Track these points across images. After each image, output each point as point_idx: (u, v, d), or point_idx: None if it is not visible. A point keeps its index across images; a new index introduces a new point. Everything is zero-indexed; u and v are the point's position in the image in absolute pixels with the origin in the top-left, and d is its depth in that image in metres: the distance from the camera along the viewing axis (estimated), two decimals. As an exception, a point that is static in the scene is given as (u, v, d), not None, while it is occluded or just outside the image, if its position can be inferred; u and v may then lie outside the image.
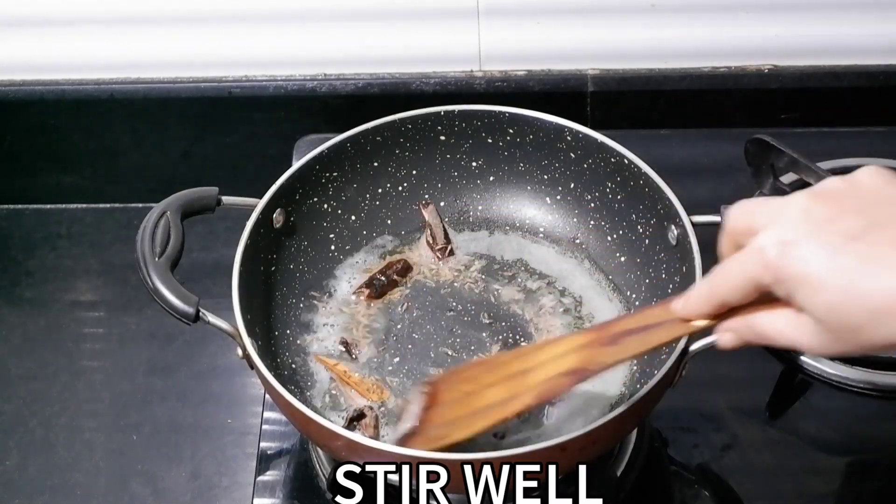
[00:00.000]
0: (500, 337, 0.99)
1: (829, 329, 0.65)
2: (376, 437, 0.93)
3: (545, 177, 1.07)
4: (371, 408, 0.95)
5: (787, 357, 1.05)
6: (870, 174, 0.67)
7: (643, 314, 0.79)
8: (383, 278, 1.03)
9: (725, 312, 0.72)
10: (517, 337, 0.99)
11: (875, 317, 0.63)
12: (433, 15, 1.19)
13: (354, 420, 0.93)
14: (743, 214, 0.70)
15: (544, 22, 1.20)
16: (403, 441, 0.85)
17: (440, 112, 1.05)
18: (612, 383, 0.96)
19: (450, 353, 0.98)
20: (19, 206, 1.30)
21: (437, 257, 1.04)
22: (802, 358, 1.04)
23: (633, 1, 1.18)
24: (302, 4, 1.19)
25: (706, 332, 0.76)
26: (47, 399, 1.11)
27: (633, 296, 1.02)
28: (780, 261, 0.65)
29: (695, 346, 0.86)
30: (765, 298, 0.69)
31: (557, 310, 1.01)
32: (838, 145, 1.17)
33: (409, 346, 0.99)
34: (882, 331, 0.63)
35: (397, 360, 0.98)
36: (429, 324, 1.01)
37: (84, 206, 1.30)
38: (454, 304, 1.02)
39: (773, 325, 0.69)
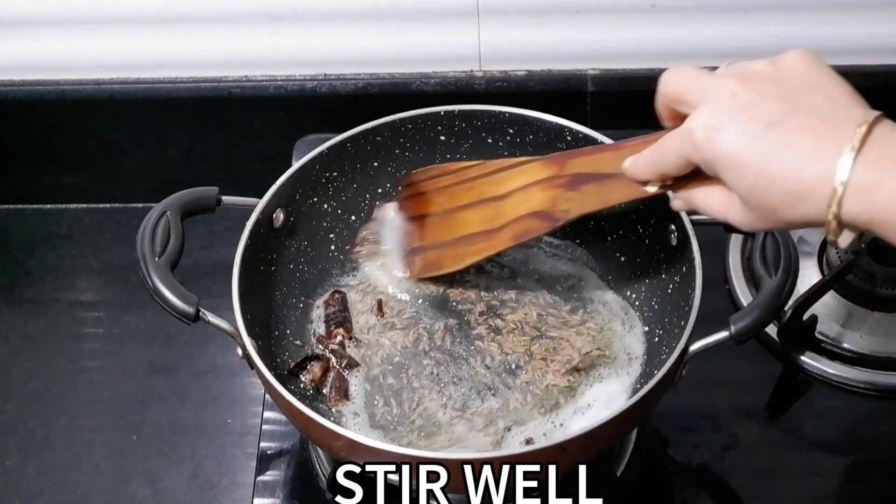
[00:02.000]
0: (500, 335, 0.99)
1: (752, 208, 0.71)
2: (322, 384, 0.96)
3: (545, 177, 1.06)
4: (325, 355, 0.97)
5: (786, 357, 1.05)
6: (795, 58, 0.72)
7: (597, 157, 0.88)
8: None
9: (674, 181, 0.78)
10: (516, 335, 0.99)
11: (787, 199, 0.68)
12: (433, 15, 1.19)
13: (304, 363, 0.96)
14: (676, 85, 0.75)
15: (544, 22, 1.20)
16: (406, 261, 1.00)
17: (440, 112, 1.05)
18: (612, 383, 0.96)
19: (448, 348, 0.98)
20: (19, 206, 1.31)
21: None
22: (802, 358, 1.04)
23: (633, 1, 1.18)
24: (302, 4, 1.19)
25: (662, 199, 0.81)
26: (47, 399, 1.11)
27: (633, 296, 1.02)
28: (706, 144, 0.70)
29: (695, 347, 0.86)
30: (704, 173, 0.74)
31: (558, 309, 1.01)
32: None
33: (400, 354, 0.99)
34: (793, 211, 0.68)
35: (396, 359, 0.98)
36: (427, 321, 1.01)
37: (84, 206, 1.30)
38: (452, 303, 1.02)
39: (708, 200, 0.75)
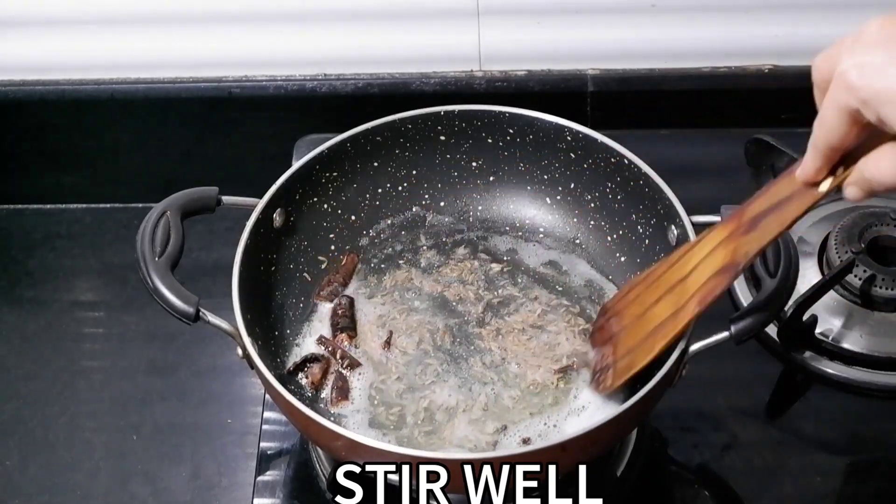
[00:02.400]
0: (500, 335, 0.99)
1: None
2: (321, 385, 0.95)
3: (545, 177, 1.07)
4: (325, 357, 0.96)
5: (786, 357, 1.05)
6: None
7: (770, 192, 0.80)
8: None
9: (841, 161, 0.72)
10: (516, 335, 0.99)
11: None
12: (433, 15, 1.19)
13: (304, 364, 0.95)
14: (824, 61, 0.70)
15: (544, 22, 1.20)
16: (598, 385, 0.92)
17: (440, 112, 1.05)
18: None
19: (448, 348, 0.98)
20: (19, 206, 1.30)
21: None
22: (802, 358, 1.04)
23: (633, 1, 1.18)
24: (302, 4, 1.19)
25: (834, 194, 0.75)
26: (47, 399, 1.11)
27: (633, 296, 1.02)
28: (859, 81, 0.66)
29: (695, 347, 0.86)
30: (869, 138, 0.69)
31: (558, 309, 1.01)
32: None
33: (406, 345, 0.99)
34: None
35: (399, 358, 0.98)
36: (428, 321, 1.01)
37: (84, 206, 1.30)
38: (453, 304, 1.02)
39: (880, 166, 0.69)
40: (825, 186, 0.75)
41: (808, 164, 0.74)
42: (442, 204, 1.09)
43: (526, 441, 0.92)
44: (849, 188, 0.72)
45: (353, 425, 0.93)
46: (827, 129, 0.70)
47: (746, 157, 1.14)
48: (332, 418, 0.93)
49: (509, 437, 0.92)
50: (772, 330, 1.05)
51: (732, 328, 0.85)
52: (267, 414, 1.03)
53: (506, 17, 1.20)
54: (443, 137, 1.06)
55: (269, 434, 1.02)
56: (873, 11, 1.19)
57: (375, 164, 1.06)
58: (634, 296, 0.93)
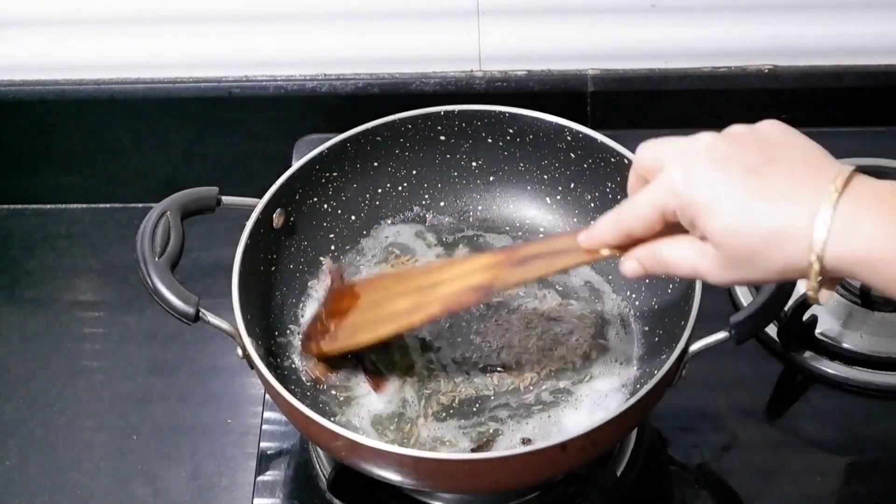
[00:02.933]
0: (500, 335, 0.99)
1: (727, 254, 0.69)
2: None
3: (545, 177, 1.07)
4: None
5: (786, 357, 1.05)
6: (771, 125, 0.71)
7: (550, 241, 0.85)
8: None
9: (629, 243, 0.75)
10: (517, 335, 0.99)
11: (767, 241, 0.67)
12: (433, 15, 1.19)
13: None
14: (650, 152, 0.74)
15: (544, 22, 1.20)
16: (304, 347, 0.96)
17: (440, 112, 1.05)
18: (609, 382, 0.96)
19: (448, 349, 0.98)
20: (19, 206, 1.30)
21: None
22: (802, 358, 1.04)
23: (633, 1, 1.18)
24: (302, 4, 1.19)
25: (611, 260, 0.79)
26: (47, 399, 1.11)
27: (633, 295, 1.01)
28: (685, 188, 0.69)
29: (695, 347, 0.86)
30: (668, 230, 0.73)
31: (556, 309, 1.01)
32: (838, 145, 1.16)
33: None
34: (775, 253, 0.67)
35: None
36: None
37: (84, 206, 1.30)
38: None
39: (676, 253, 0.73)
40: (605, 253, 0.78)
41: (597, 237, 0.78)
42: (442, 204, 1.09)
43: (526, 441, 0.92)
44: (630, 261, 0.76)
45: (356, 421, 0.93)
46: (636, 218, 0.74)
47: (746, 157, 1.14)
48: (331, 418, 0.93)
49: (506, 438, 0.92)
50: (772, 330, 1.05)
51: (732, 328, 0.85)
52: (267, 414, 1.03)
53: (506, 17, 1.20)
54: (443, 137, 1.06)
55: (269, 434, 1.02)
56: (873, 11, 1.20)
57: (375, 164, 1.06)
58: (380, 283, 0.96)
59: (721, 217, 0.68)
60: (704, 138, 0.71)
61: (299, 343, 0.98)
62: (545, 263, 0.83)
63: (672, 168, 0.70)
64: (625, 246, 0.76)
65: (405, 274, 0.96)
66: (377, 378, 0.95)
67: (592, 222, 1.03)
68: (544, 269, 0.84)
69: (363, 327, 0.93)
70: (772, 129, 0.71)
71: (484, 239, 1.07)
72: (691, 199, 0.69)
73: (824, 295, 0.69)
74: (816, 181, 0.66)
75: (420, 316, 0.89)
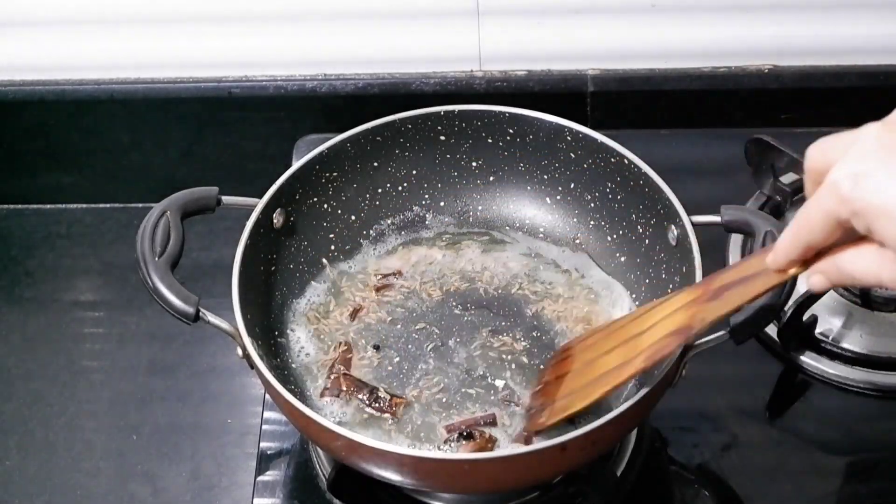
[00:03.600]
0: (502, 332, 0.99)
1: None
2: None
3: (545, 177, 1.07)
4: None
5: (786, 357, 1.05)
6: None
7: (739, 267, 0.80)
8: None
9: (814, 256, 0.71)
10: (513, 335, 0.99)
11: None
12: (433, 15, 1.19)
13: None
14: (818, 152, 0.68)
15: (544, 22, 1.20)
16: (531, 424, 0.91)
17: (440, 112, 1.05)
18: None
19: (448, 348, 0.98)
20: (19, 206, 1.30)
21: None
22: (802, 358, 1.04)
23: (633, 1, 1.18)
24: (302, 4, 1.19)
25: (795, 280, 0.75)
26: (47, 399, 1.11)
27: (634, 296, 1.01)
28: (854, 193, 0.64)
29: (695, 347, 0.86)
30: (850, 237, 0.68)
31: (556, 310, 1.01)
32: (838, 145, 1.17)
33: (409, 345, 0.99)
34: None
35: (397, 359, 0.98)
36: (427, 318, 1.01)
37: (84, 206, 1.30)
38: (453, 303, 1.02)
39: (858, 263, 0.68)
40: (794, 271, 0.74)
41: (781, 255, 0.73)
42: (442, 204, 1.09)
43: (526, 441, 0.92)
44: (815, 276, 0.71)
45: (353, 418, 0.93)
46: (810, 229, 0.69)
47: (746, 157, 1.14)
48: (332, 418, 0.93)
49: (510, 435, 0.92)
50: (772, 330, 1.05)
51: (732, 328, 0.85)
52: (267, 414, 1.03)
53: (506, 17, 1.20)
54: (443, 137, 1.06)
55: (269, 434, 1.02)
56: (873, 11, 1.20)
57: (375, 164, 1.06)
58: (592, 342, 0.92)
59: None
60: (871, 130, 0.66)
61: (526, 423, 0.93)
62: (740, 293, 0.79)
63: (837, 170, 0.65)
64: (810, 260, 0.72)
65: (613, 326, 0.92)
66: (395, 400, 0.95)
67: (592, 221, 1.05)
68: (739, 300, 0.79)
69: (579, 393, 0.89)
70: None
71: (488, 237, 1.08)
72: (862, 204, 0.64)
73: None
74: None
75: (627, 372, 0.86)
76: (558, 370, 0.93)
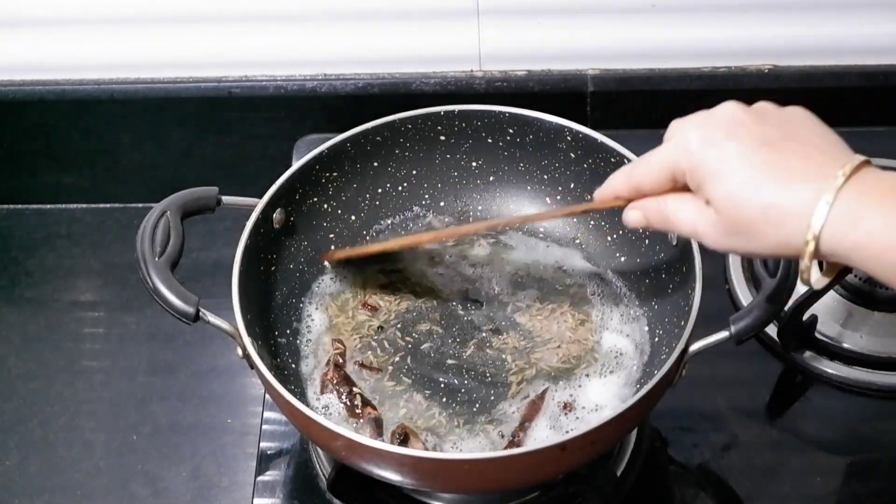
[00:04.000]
0: (501, 333, 0.99)
1: (727, 221, 0.71)
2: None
3: (545, 177, 1.07)
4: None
5: (786, 357, 1.05)
6: (797, 109, 0.74)
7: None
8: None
9: (638, 197, 0.78)
10: (517, 334, 0.99)
11: (766, 215, 0.68)
12: (433, 15, 1.19)
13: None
14: (678, 122, 0.76)
15: (544, 22, 1.20)
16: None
17: (440, 112, 1.05)
18: (609, 382, 0.96)
19: (450, 350, 0.98)
20: (19, 206, 1.31)
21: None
22: (802, 358, 1.04)
23: (633, 1, 1.18)
24: (302, 4, 1.19)
25: (618, 209, 0.81)
26: (47, 399, 1.11)
27: (634, 295, 1.01)
28: (699, 150, 0.72)
29: (695, 347, 0.86)
30: (675, 191, 0.75)
31: (557, 309, 1.01)
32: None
33: (408, 344, 0.99)
34: (770, 230, 0.68)
35: (397, 358, 0.98)
36: (427, 319, 1.01)
37: (84, 206, 1.30)
38: (454, 303, 1.02)
39: (679, 210, 0.75)
40: (615, 204, 0.80)
41: (609, 187, 0.80)
42: (442, 204, 1.09)
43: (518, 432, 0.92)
44: (633, 211, 0.79)
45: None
46: (647, 173, 0.76)
47: (746, 157, 1.14)
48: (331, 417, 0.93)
49: (506, 437, 0.92)
50: (772, 330, 1.05)
51: (732, 328, 0.85)
52: (267, 414, 1.03)
53: (506, 17, 1.20)
54: (443, 137, 1.06)
55: (269, 434, 1.02)
56: (873, 11, 1.20)
57: (375, 164, 1.06)
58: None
59: (726, 184, 0.70)
60: (728, 107, 0.74)
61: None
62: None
63: (689, 129, 0.73)
64: (633, 199, 0.78)
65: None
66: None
67: (592, 221, 1.05)
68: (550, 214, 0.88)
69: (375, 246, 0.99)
70: (796, 112, 0.74)
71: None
72: (702, 161, 0.71)
73: (815, 276, 0.71)
74: (826, 166, 0.67)
75: (427, 236, 0.96)
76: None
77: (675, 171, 0.74)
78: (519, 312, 1.01)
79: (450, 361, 0.98)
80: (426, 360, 0.98)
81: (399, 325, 1.00)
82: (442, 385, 0.96)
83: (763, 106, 0.74)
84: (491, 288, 1.03)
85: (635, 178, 0.78)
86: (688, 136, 0.73)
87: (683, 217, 0.75)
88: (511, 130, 1.05)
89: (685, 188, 0.74)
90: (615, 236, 1.04)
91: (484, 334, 1.00)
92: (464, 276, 1.04)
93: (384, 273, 1.04)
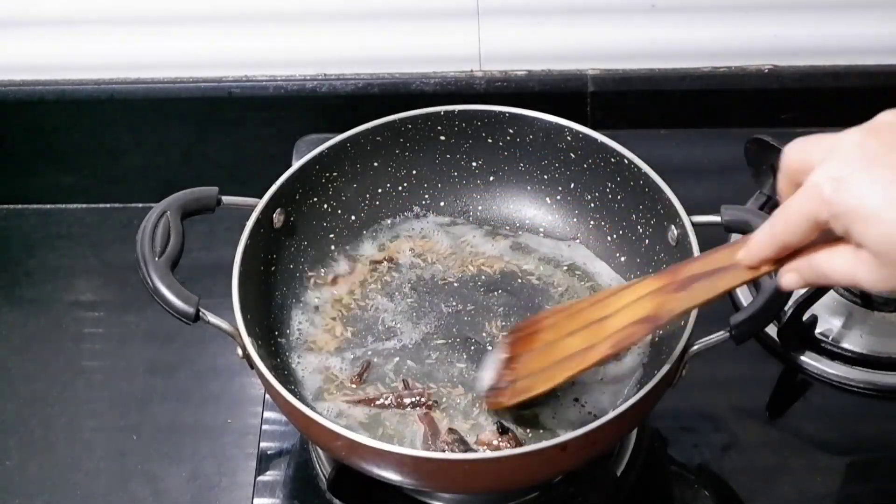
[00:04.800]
0: (497, 336, 0.99)
1: (885, 263, 0.65)
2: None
3: (545, 177, 1.07)
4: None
5: (786, 357, 1.05)
6: None
7: (709, 258, 0.80)
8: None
9: (787, 255, 0.72)
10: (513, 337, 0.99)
11: None
12: (433, 15, 1.19)
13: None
14: (798, 153, 0.70)
15: (544, 22, 1.20)
16: (491, 397, 0.91)
17: (440, 112, 1.05)
18: (609, 382, 0.96)
19: (450, 347, 0.98)
20: (19, 206, 1.30)
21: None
22: (802, 358, 1.04)
23: (633, 1, 1.18)
24: (302, 4, 1.19)
25: (768, 275, 0.76)
26: (47, 399, 1.11)
27: (633, 296, 1.01)
28: (835, 196, 0.65)
29: (695, 347, 0.86)
30: (825, 238, 0.69)
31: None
32: (838, 145, 1.17)
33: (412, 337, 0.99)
34: None
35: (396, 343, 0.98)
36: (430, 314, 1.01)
37: (84, 206, 1.30)
38: (453, 302, 1.02)
39: (833, 263, 0.69)
40: (765, 269, 0.74)
41: (755, 251, 0.73)
42: (442, 204, 1.09)
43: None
44: (789, 274, 0.72)
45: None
46: (789, 230, 0.70)
47: (746, 157, 1.14)
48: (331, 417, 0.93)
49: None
50: (772, 330, 1.05)
51: (732, 328, 0.85)
52: (267, 414, 1.03)
53: (506, 17, 1.20)
54: (443, 137, 1.06)
55: (269, 434, 1.02)
56: (873, 11, 1.20)
57: (375, 164, 1.06)
58: (552, 322, 0.92)
59: (876, 226, 0.64)
60: (852, 136, 0.67)
61: (485, 401, 0.94)
62: (709, 286, 0.79)
63: (819, 173, 0.67)
64: (783, 259, 0.73)
65: (575, 309, 0.91)
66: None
67: (592, 221, 1.05)
68: (707, 294, 0.79)
69: (541, 375, 0.89)
70: None
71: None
72: (843, 208, 0.65)
73: None
74: None
75: (592, 358, 0.86)
76: (521, 347, 0.93)
77: (816, 220, 0.68)
78: (517, 314, 1.01)
79: (448, 366, 0.98)
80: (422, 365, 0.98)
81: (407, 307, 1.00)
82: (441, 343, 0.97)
83: (888, 122, 0.68)
84: (491, 286, 1.03)
85: (778, 237, 0.71)
86: (817, 181, 0.66)
87: (839, 268, 0.69)
88: (511, 130, 1.05)
89: (832, 233, 0.68)
90: (615, 236, 1.04)
91: (486, 333, 0.99)
92: (462, 264, 1.04)
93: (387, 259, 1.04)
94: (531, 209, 1.08)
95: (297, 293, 1.02)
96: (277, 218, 0.99)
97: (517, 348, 0.93)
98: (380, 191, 1.07)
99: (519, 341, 0.93)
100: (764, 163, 1.13)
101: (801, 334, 1.04)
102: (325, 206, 1.05)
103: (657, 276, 0.84)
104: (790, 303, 1.00)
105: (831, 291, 1.06)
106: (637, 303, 0.84)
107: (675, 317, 0.82)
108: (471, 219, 1.09)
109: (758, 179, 1.14)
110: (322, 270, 1.04)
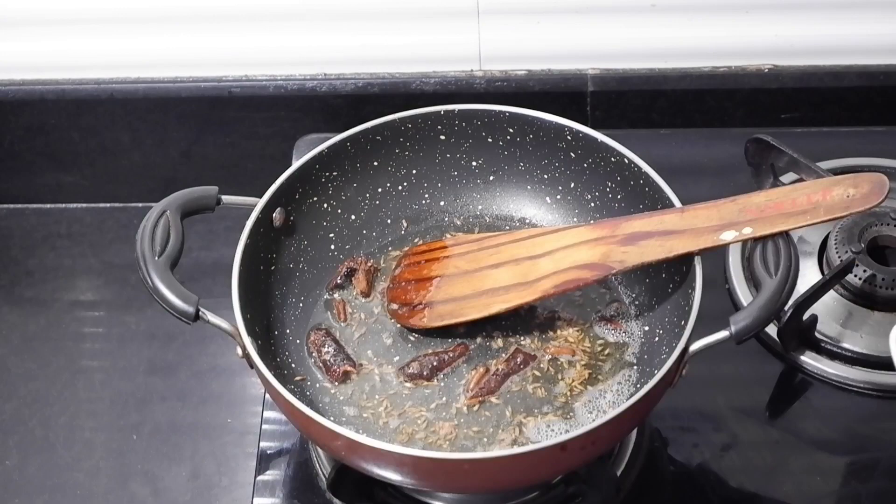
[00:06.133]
0: (501, 330, 0.99)
1: None
2: (368, 291, 0.99)
3: (545, 176, 1.07)
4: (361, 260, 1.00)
5: (786, 357, 1.05)
6: None
7: (653, 218, 0.82)
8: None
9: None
10: (518, 333, 0.99)
11: None
12: (433, 15, 1.19)
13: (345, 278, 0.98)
14: None
15: (544, 22, 1.20)
16: (405, 313, 0.93)
17: (440, 112, 1.05)
18: (609, 382, 0.96)
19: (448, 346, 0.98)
20: (19, 206, 1.31)
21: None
22: (802, 358, 1.04)
23: (633, 1, 1.18)
24: (302, 4, 1.19)
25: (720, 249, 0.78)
26: (47, 399, 1.11)
27: (633, 295, 1.01)
28: None
29: (695, 347, 0.86)
30: None
31: (557, 310, 1.01)
32: (838, 145, 1.17)
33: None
34: None
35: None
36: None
37: (84, 206, 1.30)
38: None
39: None
40: (729, 237, 0.75)
41: None
42: (442, 204, 1.09)
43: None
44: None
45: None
46: None
47: (746, 157, 1.14)
48: (331, 418, 0.93)
49: (510, 432, 0.92)
50: (772, 330, 1.05)
51: (732, 328, 0.85)
52: (267, 414, 1.03)
53: (506, 17, 1.20)
54: (443, 137, 1.06)
55: (269, 434, 1.02)
56: (873, 11, 1.20)
57: (375, 163, 1.06)
58: (462, 251, 0.94)
59: None
60: None
61: (387, 307, 0.97)
62: (661, 246, 0.79)
63: None
64: (744, 231, 0.74)
65: (490, 242, 0.93)
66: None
67: (592, 221, 1.05)
68: (660, 253, 0.80)
69: (468, 302, 0.91)
70: None
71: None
72: None
73: None
74: None
75: (533, 294, 0.87)
76: (421, 271, 0.94)
77: None
78: (517, 314, 1.01)
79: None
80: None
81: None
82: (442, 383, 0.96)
83: None
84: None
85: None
86: None
87: None
88: (511, 130, 1.05)
89: None
90: (615, 236, 1.04)
91: (485, 332, 0.99)
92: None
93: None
94: (531, 208, 1.08)
95: (297, 293, 1.02)
96: (277, 217, 0.99)
97: (415, 272, 0.95)
98: (380, 191, 1.07)
99: (416, 266, 0.95)
100: (764, 163, 1.13)
101: (801, 334, 1.04)
102: (325, 205, 1.05)
103: (592, 226, 0.87)
104: (790, 303, 1.00)
105: (831, 291, 1.06)
106: (574, 248, 0.87)
107: (625, 269, 0.85)
108: (471, 218, 1.09)
109: (758, 179, 1.14)
110: (322, 270, 1.04)
